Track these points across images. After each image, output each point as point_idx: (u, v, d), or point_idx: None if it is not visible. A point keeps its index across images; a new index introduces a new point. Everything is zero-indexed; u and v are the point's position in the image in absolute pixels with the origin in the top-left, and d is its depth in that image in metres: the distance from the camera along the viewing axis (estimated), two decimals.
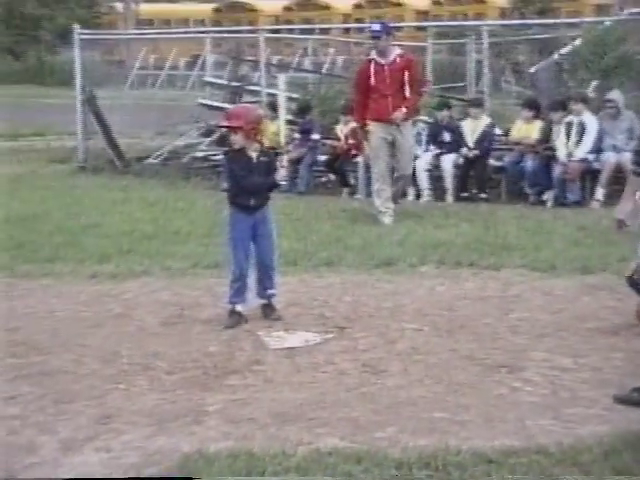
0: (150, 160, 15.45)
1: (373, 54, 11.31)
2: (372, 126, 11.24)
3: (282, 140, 7.55)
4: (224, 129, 7.38)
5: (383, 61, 11.15)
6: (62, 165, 16.36)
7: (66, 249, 9.50)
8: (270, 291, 7.28)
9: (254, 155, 7.13)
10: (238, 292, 7.17)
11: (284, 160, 7.29)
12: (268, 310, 7.28)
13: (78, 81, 16.11)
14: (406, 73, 11.13)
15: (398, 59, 11.20)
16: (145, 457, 4.87)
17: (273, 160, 7.21)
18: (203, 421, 5.34)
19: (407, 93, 11.12)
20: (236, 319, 7.12)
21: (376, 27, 11.40)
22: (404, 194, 12.01)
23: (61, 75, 34.41)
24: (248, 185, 7.12)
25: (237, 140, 7.10)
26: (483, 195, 12.81)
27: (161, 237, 10.07)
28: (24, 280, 8.54)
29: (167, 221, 10.97)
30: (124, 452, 4.97)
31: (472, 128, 13.16)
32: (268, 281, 7.26)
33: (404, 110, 11.04)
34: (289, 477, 4.55)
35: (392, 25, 12.47)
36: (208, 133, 15.61)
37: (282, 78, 8.31)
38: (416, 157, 13.03)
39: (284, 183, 7.30)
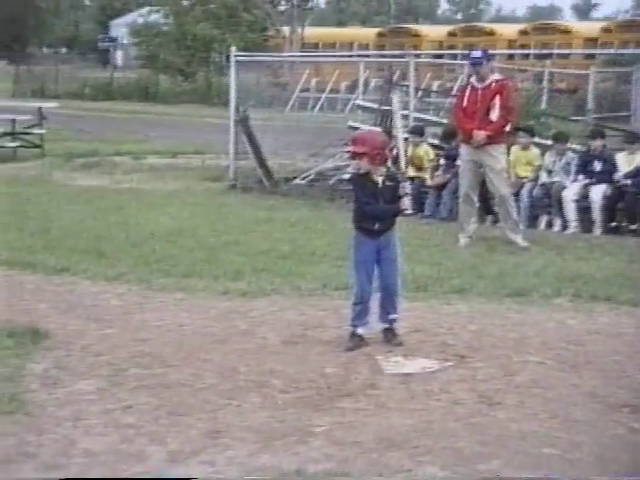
0: (297, 181, 15.67)
1: (473, 79, 11.45)
2: (461, 148, 11.54)
3: (402, 165, 7.48)
4: (350, 154, 7.38)
5: (478, 85, 11.27)
6: (214, 183, 16.74)
7: (203, 265, 9.73)
8: (392, 316, 7.25)
9: (379, 180, 7.15)
10: (360, 315, 7.18)
11: (407, 187, 7.25)
12: (389, 335, 7.25)
13: (232, 102, 16.50)
14: (497, 97, 11.17)
15: (493, 84, 11.27)
16: (245, 473, 4.94)
17: (399, 185, 7.19)
18: (308, 442, 5.36)
19: (494, 117, 11.12)
20: (356, 342, 7.13)
21: (476, 54, 11.50)
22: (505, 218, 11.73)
23: (226, 96, 35.49)
24: (373, 210, 7.15)
25: (362, 165, 7.15)
26: (633, 228, 12.41)
27: (296, 257, 10.18)
28: (160, 293, 8.78)
29: (305, 241, 11.08)
30: (227, 467, 5.05)
31: (627, 161, 12.79)
32: (390, 306, 7.24)
33: (482, 133, 11.00)
34: None
35: (490, 52, 12.52)
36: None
37: (396, 97, 8.25)
38: (563, 186, 12.82)
39: (408, 212, 7.26)
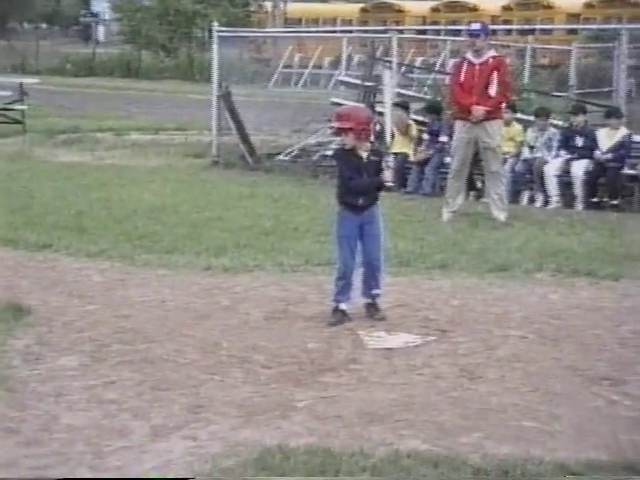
0: (281, 157, 15.64)
1: (468, 54, 11.45)
2: (457, 124, 11.49)
3: (388, 139, 7.50)
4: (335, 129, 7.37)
5: (475, 61, 11.26)
6: (197, 159, 16.69)
7: (185, 241, 9.72)
8: (375, 291, 7.27)
9: (364, 155, 7.14)
10: (343, 290, 7.20)
11: (390, 161, 7.26)
12: (372, 310, 7.27)
13: (215, 78, 16.43)
14: (495, 73, 11.19)
15: (491, 60, 11.28)
16: (227, 448, 4.95)
17: (383, 160, 7.20)
18: (290, 416, 5.38)
19: (492, 93, 11.13)
20: (339, 317, 7.14)
21: (476, 26, 11.61)
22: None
23: (209, 72, 35.26)
24: (358, 185, 7.14)
25: (348, 141, 7.14)
26: (614, 203, 12.47)
27: (279, 233, 10.18)
28: (142, 269, 8.76)
29: (288, 217, 11.07)
30: (209, 442, 5.06)
31: (608, 136, 12.83)
32: (373, 281, 7.25)
33: (481, 108, 11.00)
34: (362, 477, 4.54)
35: (490, 27, 12.66)
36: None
37: (387, 73, 8.27)
38: (545, 162, 12.85)
39: (390, 184, 7.26)
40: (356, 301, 7.29)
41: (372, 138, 7.26)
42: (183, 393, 5.74)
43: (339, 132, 7.33)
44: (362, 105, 12.10)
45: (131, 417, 5.40)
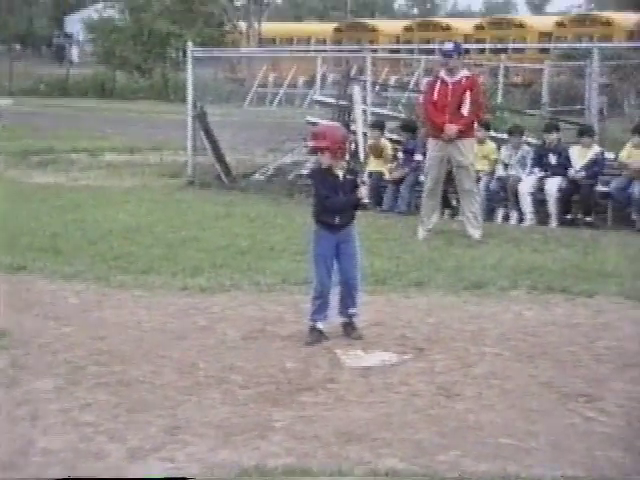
0: (256, 176, 15.66)
1: (442, 73, 11.51)
2: (430, 142, 11.55)
3: (361, 157, 7.53)
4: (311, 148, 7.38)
5: (449, 80, 11.33)
6: (172, 179, 16.67)
7: (161, 262, 9.71)
8: (352, 310, 7.28)
9: (340, 174, 7.16)
10: (319, 309, 7.20)
11: (364, 177, 7.28)
12: (349, 329, 7.28)
13: (190, 98, 16.46)
14: (468, 92, 11.26)
15: (464, 79, 11.35)
16: (205, 469, 4.95)
17: (358, 177, 7.22)
18: (268, 436, 5.38)
19: (465, 112, 11.19)
20: (316, 336, 7.15)
21: (449, 47, 11.65)
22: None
23: (184, 92, 35.08)
24: (334, 203, 7.16)
25: (324, 160, 7.16)
26: (588, 220, 12.56)
27: (255, 252, 10.19)
28: (118, 290, 8.74)
29: (264, 237, 11.08)
30: (187, 464, 5.05)
31: (581, 154, 12.92)
32: (350, 300, 7.27)
33: (454, 127, 11.07)
34: None
35: (463, 46, 12.61)
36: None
37: (356, 90, 8.28)
38: (519, 180, 12.93)
39: (366, 202, 7.28)
40: (333, 320, 7.30)
41: (348, 157, 7.29)
42: (160, 415, 5.73)
43: (315, 151, 7.34)
44: (338, 124, 12.16)
45: (107, 440, 5.38)
